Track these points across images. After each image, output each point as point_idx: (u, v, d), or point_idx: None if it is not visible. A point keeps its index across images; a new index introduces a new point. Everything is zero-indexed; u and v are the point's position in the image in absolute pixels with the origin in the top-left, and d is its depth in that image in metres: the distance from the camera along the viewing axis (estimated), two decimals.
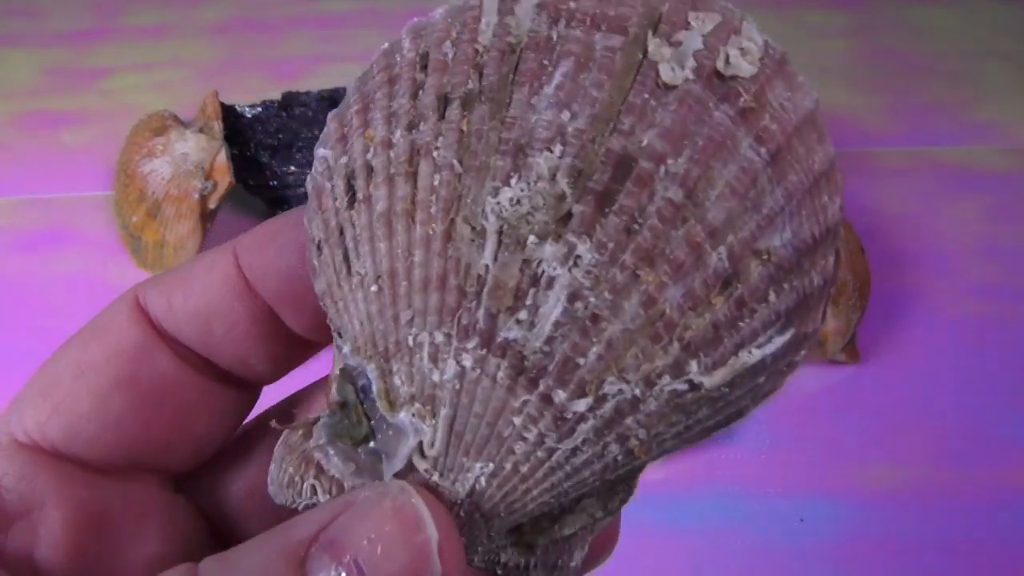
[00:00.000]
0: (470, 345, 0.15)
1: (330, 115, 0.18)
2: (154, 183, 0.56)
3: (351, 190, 0.16)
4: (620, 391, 0.15)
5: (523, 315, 0.15)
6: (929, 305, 0.54)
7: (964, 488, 0.46)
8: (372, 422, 0.16)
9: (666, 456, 0.16)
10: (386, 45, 0.17)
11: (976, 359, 0.51)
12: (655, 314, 0.14)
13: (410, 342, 0.15)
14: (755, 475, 0.47)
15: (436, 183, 0.15)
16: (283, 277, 0.19)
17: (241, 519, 0.21)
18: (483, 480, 0.15)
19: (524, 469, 0.15)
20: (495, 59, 0.15)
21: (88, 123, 0.67)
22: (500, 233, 0.15)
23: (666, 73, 0.15)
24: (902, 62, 0.72)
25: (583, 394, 0.15)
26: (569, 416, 0.15)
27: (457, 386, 0.15)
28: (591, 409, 0.15)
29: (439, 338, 0.15)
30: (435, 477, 0.15)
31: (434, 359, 0.15)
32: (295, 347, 0.21)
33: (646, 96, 0.15)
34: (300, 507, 0.17)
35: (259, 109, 0.59)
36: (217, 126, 0.56)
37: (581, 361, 0.15)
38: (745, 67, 0.15)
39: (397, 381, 0.15)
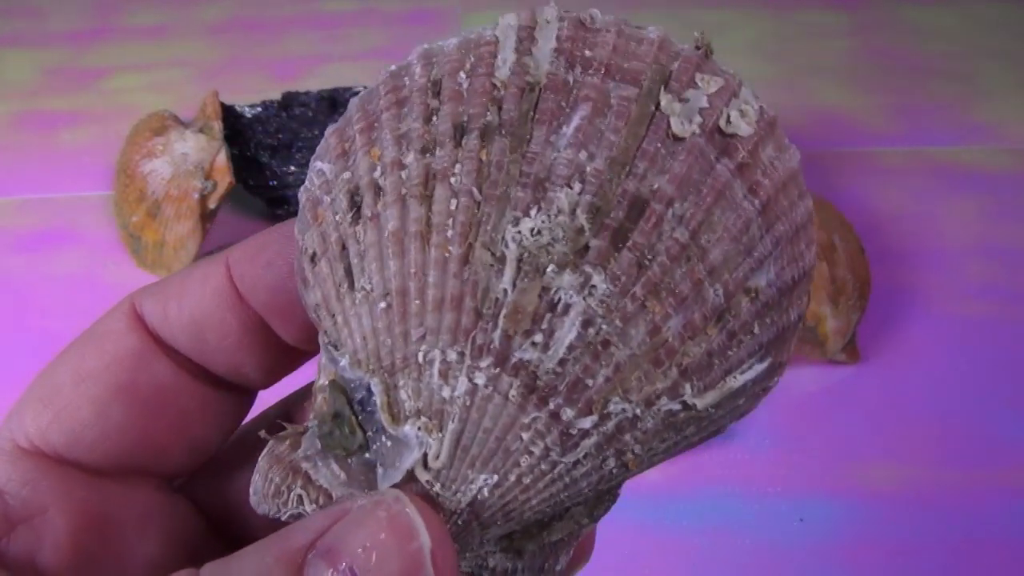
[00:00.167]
0: (483, 364, 0.16)
1: (329, 130, 0.18)
2: (154, 183, 0.56)
3: (355, 206, 0.17)
4: (623, 410, 0.16)
5: (539, 338, 0.16)
6: (929, 305, 0.54)
7: (964, 488, 0.46)
8: (368, 434, 0.16)
9: (651, 467, 0.17)
10: (393, 67, 0.18)
11: (976, 359, 0.51)
12: (659, 341, 0.16)
13: (420, 358, 0.16)
14: (755, 475, 0.47)
15: (453, 208, 0.16)
16: (272, 290, 0.20)
17: (240, 519, 0.21)
18: (486, 491, 0.16)
19: (527, 480, 0.16)
20: (514, 95, 0.16)
21: (88, 123, 0.67)
22: (520, 261, 0.16)
23: (676, 126, 0.16)
24: (902, 62, 0.72)
25: (589, 412, 0.16)
26: (574, 432, 0.16)
27: (468, 402, 0.16)
28: (595, 426, 0.16)
29: (452, 356, 0.16)
30: (437, 488, 0.16)
31: (444, 376, 0.16)
32: (287, 356, 0.21)
33: (658, 145, 0.16)
34: (284, 517, 0.17)
35: (259, 109, 0.59)
36: (217, 126, 0.56)
37: (590, 382, 0.16)
38: (744, 128, 0.17)
39: (403, 395, 0.16)
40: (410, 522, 0.15)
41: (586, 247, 0.16)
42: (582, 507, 0.18)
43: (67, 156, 0.65)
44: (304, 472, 0.17)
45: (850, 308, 0.50)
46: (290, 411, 0.22)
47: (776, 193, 0.17)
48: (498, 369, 0.16)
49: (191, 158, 0.56)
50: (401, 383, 0.16)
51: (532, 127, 0.16)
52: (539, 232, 0.16)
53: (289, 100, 0.60)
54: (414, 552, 0.14)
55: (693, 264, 0.16)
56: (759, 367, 0.17)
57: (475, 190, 0.16)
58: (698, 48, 0.18)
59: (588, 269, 0.16)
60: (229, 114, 0.58)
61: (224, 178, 0.55)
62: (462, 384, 0.16)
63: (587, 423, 0.16)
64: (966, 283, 0.55)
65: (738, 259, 0.16)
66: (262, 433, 0.18)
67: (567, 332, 0.16)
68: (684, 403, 0.16)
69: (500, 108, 0.16)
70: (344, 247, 0.17)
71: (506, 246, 0.16)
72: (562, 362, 0.16)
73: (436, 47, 0.18)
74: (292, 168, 0.59)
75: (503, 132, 0.16)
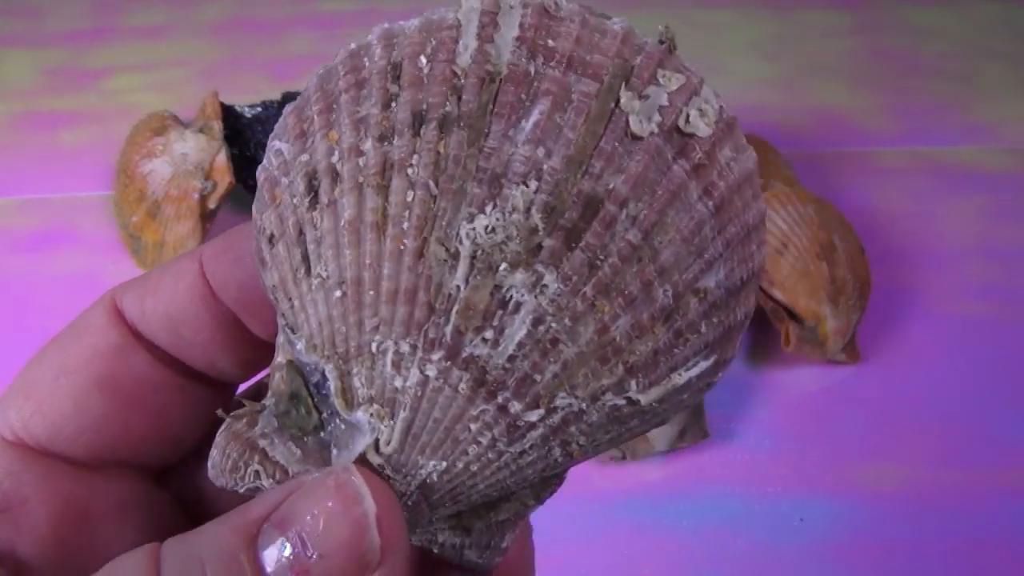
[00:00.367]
0: (435, 357, 0.16)
1: (287, 108, 0.18)
2: (154, 183, 0.56)
3: (313, 191, 0.17)
4: (569, 404, 0.16)
5: (489, 334, 0.16)
6: (929, 305, 0.54)
7: (964, 488, 0.46)
8: (323, 415, 0.17)
9: (596, 455, 0.18)
10: (353, 46, 0.18)
11: (976, 359, 0.51)
12: (606, 340, 0.16)
13: (373, 348, 0.16)
14: (755, 475, 0.47)
15: (409, 199, 0.16)
16: (242, 286, 0.20)
17: (219, 510, 0.21)
18: (435, 476, 0.16)
19: (474, 468, 0.17)
20: (474, 85, 0.16)
21: (88, 123, 0.67)
22: (473, 258, 0.16)
23: (635, 125, 0.17)
24: (902, 62, 0.72)
25: (536, 406, 0.16)
26: (521, 424, 0.16)
27: (419, 393, 0.16)
28: (542, 419, 0.16)
29: (404, 347, 0.16)
30: (388, 471, 0.16)
31: (397, 366, 0.16)
32: (262, 350, 0.21)
33: (616, 144, 0.16)
34: (242, 490, 0.18)
35: (259, 109, 0.59)
36: (217, 126, 0.56)
37: (538, 378, 0.16)
38: (703, 128, 0.17)
39: (356, 383, 0.16)
40: (356, 490, 0.15)
41: (539, 246, 0.16)
42: (528, 490, 0.18)
43: (67, 156, 0.65)
44: (261, 449, 0.17)
45: (850, 308, 0.50)
46: (262, 392, 0.22)
47: (731, 195, 0.17)
48: (449, 362, 0.16)
49: (191, 158, 0.56)
50: (355, 370, 0.16)
51: (491, 120, 0.16)
52: (493, 230, 0.16)
53: (289, 100, 0.60)
54: (359, 517, 0.15)
55: (644, 265, 0.16)
56: (704, 364, 0.17)
57: (432, 183, 0.16)
58: (662, 42, 0.18)
59: (540, 268, 0.16)
60: (229, 114, 0.58)
61: (224, 178, 0.55)
62: (414, 375, 0.16)
63: (534, 416, 0.16)
64: (966, 283, 0.55)
65: (689, 260, 0.17)
66: (219, 411, 0.18)
67: (517, 329, 0.16)
68: (629, 399, 0.17)
69: (460, 98, 0.16)
70: (302, 232, 0.17)
71: (460, 242, 0.16)
72: (511, 358, 0.16)
73: (397, 27, 0.18)
74: None
75: (461, 124, 0.16)
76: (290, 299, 0.17)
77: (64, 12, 0.79)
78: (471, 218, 0.16)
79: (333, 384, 0.17)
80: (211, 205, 0.55)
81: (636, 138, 0.17)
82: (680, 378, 0.17)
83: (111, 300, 0.20)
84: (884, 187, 0.61)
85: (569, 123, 0.16)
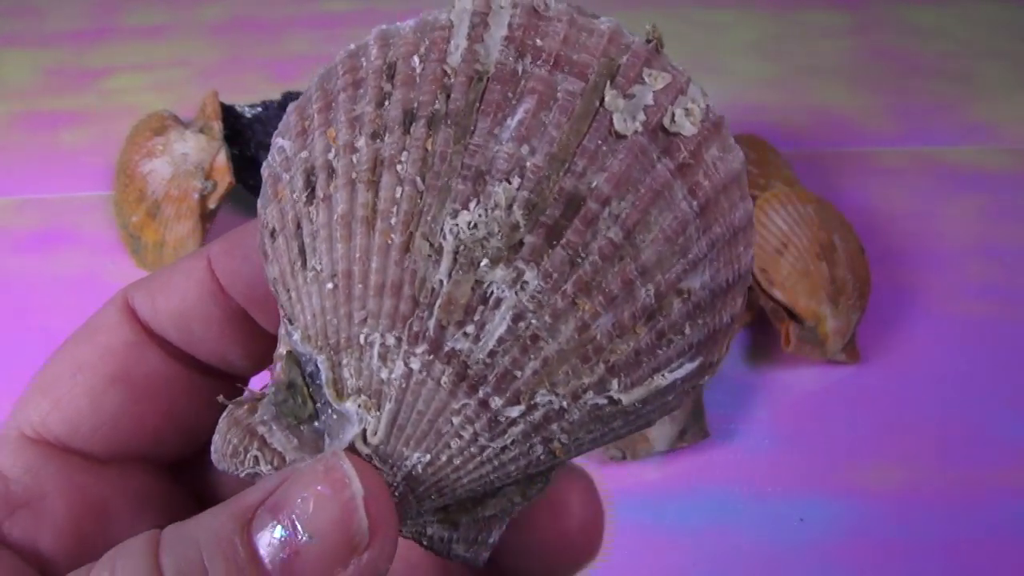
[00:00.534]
0: (419, 350, 0.16)
1: (290, 106, 0.19)
2: (154, 183, 0.56)
3: (310, 186, 0.17)
4: (550, 402, 0.17)
5: (470, 329, 0.16)
6: (929, 305, 0.54)
7: (964, 488, 0.46)
8: (317, 405, 0.17)
9: (582, 454, 0.18)
10: (352, 46, 0.18)
11: (976, 359, 0.51)
12: (587, 338, 0.16)
13: (361, 340, 0.17)
14: (755, 475, 0.47)
15: (397, 195, 0.16)
16: (250, 282, 0.20)
17: None
18: (419, 468, 0.17)
19: (457, 461, 0.17)
20: (462, 84, 0.17)
21: (88, 123, 0.67)
22: (456, 253, 0.16)
23: (619, 123, 0.17)
24: (902, 62, 0.72)
25: (517, 402, 0.16)
26: (502, 420, 0.17)
27: (403, 385, 0.17)
28: (523, 415, 0.17)
29: (390, 340, 0.16)
30: (375, 461, 0.17)
31: (383, 358, 0.17)
32: (271, 343, 0.22)
33: (599, 142, 0.16)
34: (242, 475, 0.18)
35: (259, 109, 0.59)
36: (217, 126, 0.56)
37: (518, 374, 0.16)
38: (688, 127, 0.17)
39: (346, 374, 0.17)
40: (344, 474, 0.16)
41: (520, 243, 0.16)
42: (514, 487, 0.18)
43: (67, 156, 0.65)
44: (260, 435, 0.18)
45: (850, 308, 0.50)
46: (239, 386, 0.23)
47: (716, 195, 0.17)
48: (432, 356, 0.16)
49: (191, 158, 0.56)
50: (344, 361, 0.17)
51: (477, 118, 0.17)
52: (476, 226, 0.16)
53: (289, 100, 0.60)
54: (347, 500, 0.15)
55: (626, 264, 0.16)
56: (689, 366, 0.17)
57: (419, 179, 0.16)
58: (649, 41, 0.18)
59: (521, 265, 0.16)
60: (229, 114, 0.58)
61: (224, 178, 0.55)
62: (399, 368, 0.16)
63: (515, 412, 0.16)
64: (966, 283, 0.55)
65: (672, 260, 0.17)
66: (220, 397, 0.19)
67: (498, 325, 0.16)
68: (610, 398, 0.17)
69: (448, 96, 0.17)
70: (299, 226, 0.17)
71: (444, 238, 0.16)
72: (492, 353, 0.16)
73: (393, 28, 0.18)
74: None
75: (448, 122, 0.17)
76: (288, 291, 0.18)
77: (64, 12, 0.79)
78: (455, 214, 0.16)
79: (325, 375, 0.17)
80: (211, 205, 0.55)
81: (620, 136, 0.17)
82: (664, 379, 0.17)
83: (123, 299, 0.21)
84: (884, 187, 0.61)
85: (553, 121, 0.17)
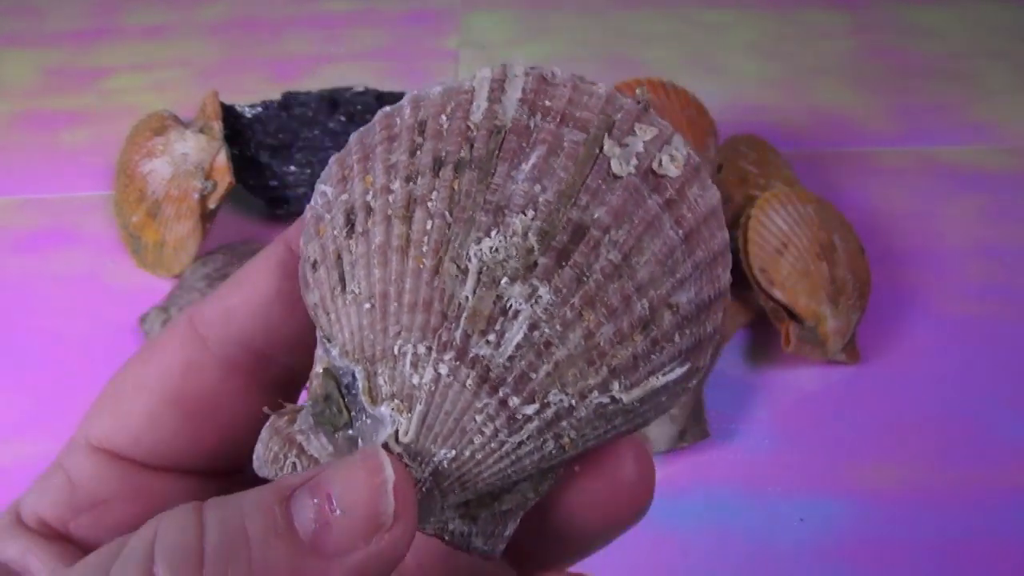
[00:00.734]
0: (447, 357, 0.19)
1: (332, 158, 0.22)
2: (154, 183, 0.57)
3: (350, 223, 0.20)
4: (560, 400, 0.19)
5: (492, 337, 0.19)
6: (929, 305, 0.54)
7: (964, 488, 0.46)
8: (352, 413, 0.20)
9: (587, 450, 0.20)
10: (388, 109, 0.21)
11: (976, 359, 0.51)
12: (592, 344, 0.19)
13: (395, 351, 0.19)
14: (755, 475, 0.47)
15: (428, 227, 0.19)
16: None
17: None
18: (445, 463, 0.19)
19: (479, 456, 0.19)
20: (484, 136, 0.20)
21: (88, 123, 0.68)
22: (480, 273, 0.19)
23: (615, 167, 0.20)
24: (902, 62, 0.72)
25: (532, 401, 0.19)
26: (519, 417, 0.19)
27: (432, 388, 0.19)
28: (537, 413, 0.19)
29: (421, 349, 0.19)
30: (405, 459, 0.19)
31: (415, 365, 0.19)
32: None
33: (600, 182, 0.20)
34: None
35: (259, 109, 0.59)
36: (217, 126, 0.56)
37: (533, 376, 0.19)
38: (672, 170, 0.20)
39: (380, 381, 0.19)
40: (380, 461, 0.18)
41: (535, 264, 0.19)
42: (527, 483, 0.21)
43: (67, 156, 0.65)
44: (298, 443, 0.20)
45: (850, 308, 0.50)
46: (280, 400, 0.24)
47: (698, 225, 0.20)
48: (458, 362, 0.19)
49: (191, 158, 0.56)
50: (379, 371, 0.19)
51: (496, 163, 0.20)
52: (496, 250, 0.19)
53: (289, 100, 0.60)
54: (379, 483, 0.17)
55: (624, 281, 0.19)
56: (679, 370, 0.20)
57: (447, 213, 0.19)
58: (638, 103, 0.21)
59: (535, 282, 0.19)
60: (229, 114, 0.58)
61: (224, 178, 0.55)
62: (428, 373, 0.19)
63: (530, 410, 0.19)
64: (966, 283, 0.55)
65: (663, 279, 0.20)
66: (265, 409, 0.21)
67: (516, 333, 0.19)
68: (612, 397, 0.19)
69: (472, 146, 0.20)
70: (339, 257, 0.20)
71: (469, 260, 0.19)
72: (511, 358, 0.19)
73: (424, 93, 0.21)
74: (292, 168, 0.59)
75: (472, 166, 0.20)
76: (328, 314, 0.20)
77: (64, 12, 0.79)
78: (479, 240, 0.19)
79: (361, 384, 0.19)
80: (211, 205, 0.55)
81: (617, 177, 0.20)
82: (658, 381, 0.20)
83: (188, 317, 0.23)
84: (884, 187, 0.61)
85: (561, 165, 0.20)
